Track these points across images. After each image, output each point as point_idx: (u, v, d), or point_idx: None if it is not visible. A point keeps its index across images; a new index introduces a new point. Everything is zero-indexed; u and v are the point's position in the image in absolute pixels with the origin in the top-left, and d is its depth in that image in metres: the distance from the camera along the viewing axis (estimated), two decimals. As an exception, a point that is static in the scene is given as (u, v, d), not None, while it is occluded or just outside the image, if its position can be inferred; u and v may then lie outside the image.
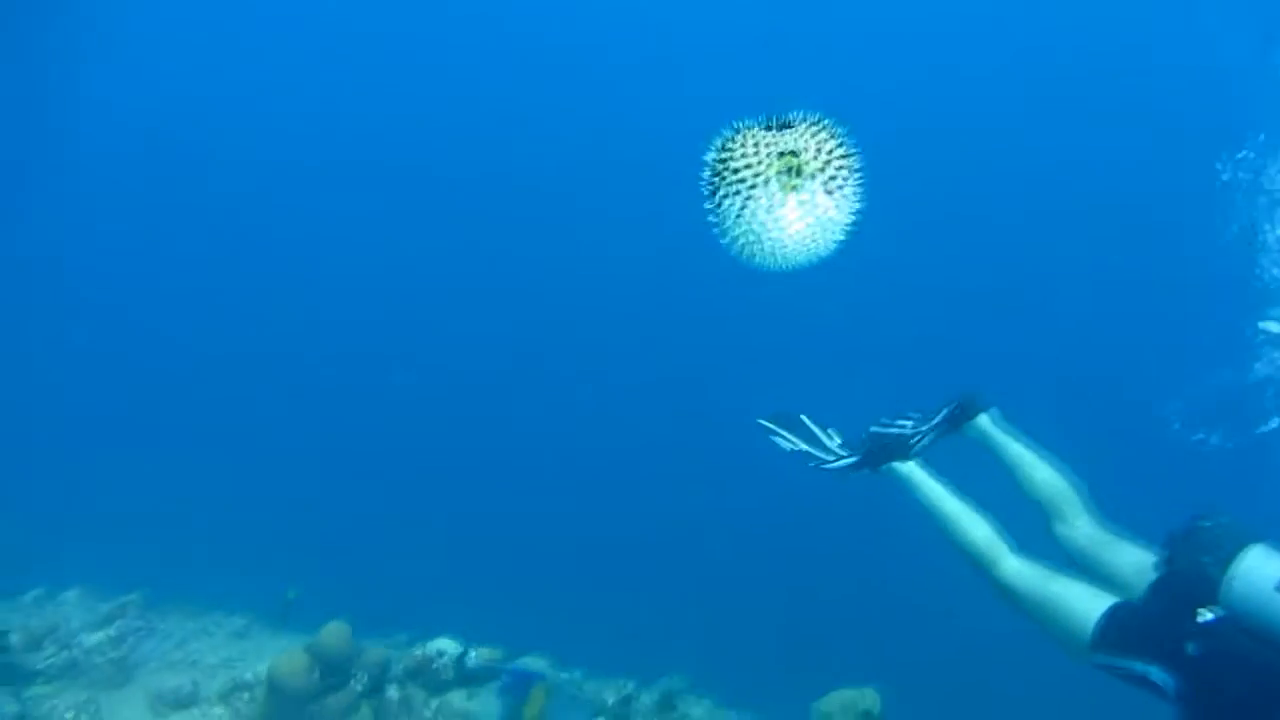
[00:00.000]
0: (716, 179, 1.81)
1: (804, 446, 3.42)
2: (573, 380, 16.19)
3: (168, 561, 7.75)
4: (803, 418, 3.49)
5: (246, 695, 4.89)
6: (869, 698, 4.46)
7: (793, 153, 1.78)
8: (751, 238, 1.83)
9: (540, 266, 17.37)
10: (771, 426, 3.45)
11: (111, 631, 5.83)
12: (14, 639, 5.45)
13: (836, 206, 1.82)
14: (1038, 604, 2.81)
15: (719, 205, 1.82)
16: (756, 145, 1.80)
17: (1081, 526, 3.07)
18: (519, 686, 2.47)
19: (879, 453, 3.38)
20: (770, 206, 1.79)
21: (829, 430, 3.49)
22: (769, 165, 1.79)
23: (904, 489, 3.30)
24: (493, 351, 16.81)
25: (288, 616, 7.03)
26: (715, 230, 1.87)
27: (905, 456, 3.34)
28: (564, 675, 5.95)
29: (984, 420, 3.35)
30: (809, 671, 5.18)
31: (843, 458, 3.41)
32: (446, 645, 5.30)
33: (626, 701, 4.99)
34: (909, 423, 3.35)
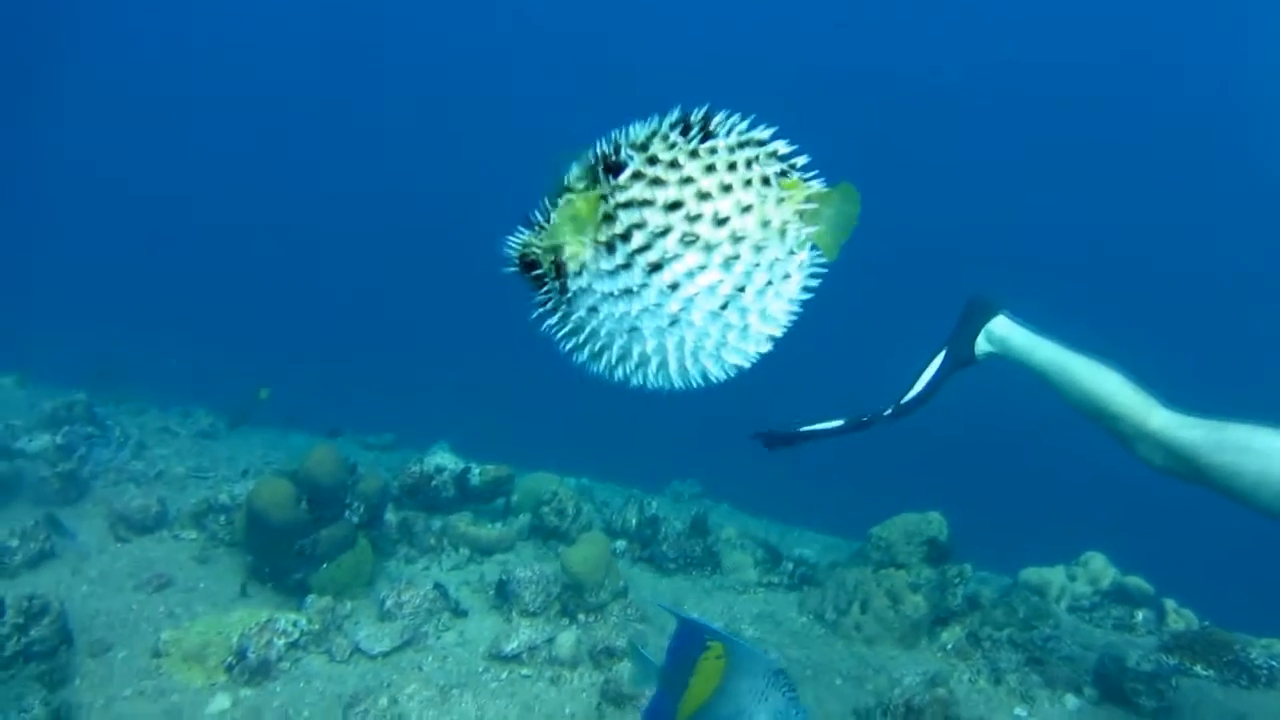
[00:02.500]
0: (639, 234, 1.01)
1: (844, 421, 2.71)
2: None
3: (114, 355, 7.01)
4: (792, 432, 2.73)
5: (223, 518, 4.32)
6: (935, 524, 4.02)
7: (784, 174, 1.08)
8: (720, 334, 1.09)
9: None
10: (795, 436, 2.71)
11: (59, 439, 5.15)
12: (-57, 446, 4.71)
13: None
14: (1218, 456, 2.16)
15: (636, 279, 1.02)
16: (733, 162, 1.03)
17: None
18: (687, 646, 1.79)
19: (971, 317, 2.69)
20: (784, 274, 1.08)
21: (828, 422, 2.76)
22: (777, 199, 1.05)
23: (1009, 358, 2.63)
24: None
25: (257, 416, 6.42)
26: (601, 333, 1.10)
27: (993, 310, 2.65)
28: (570, 481, 5.51)
29: None
30: (866, 496, 4.76)
31: (908, 392, 2.73)
32: (446, 461, 4.74)
33: (653, 523, 4.53)
34: None
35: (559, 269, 1.03)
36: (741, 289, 1.02)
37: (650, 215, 0.98)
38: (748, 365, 1.15)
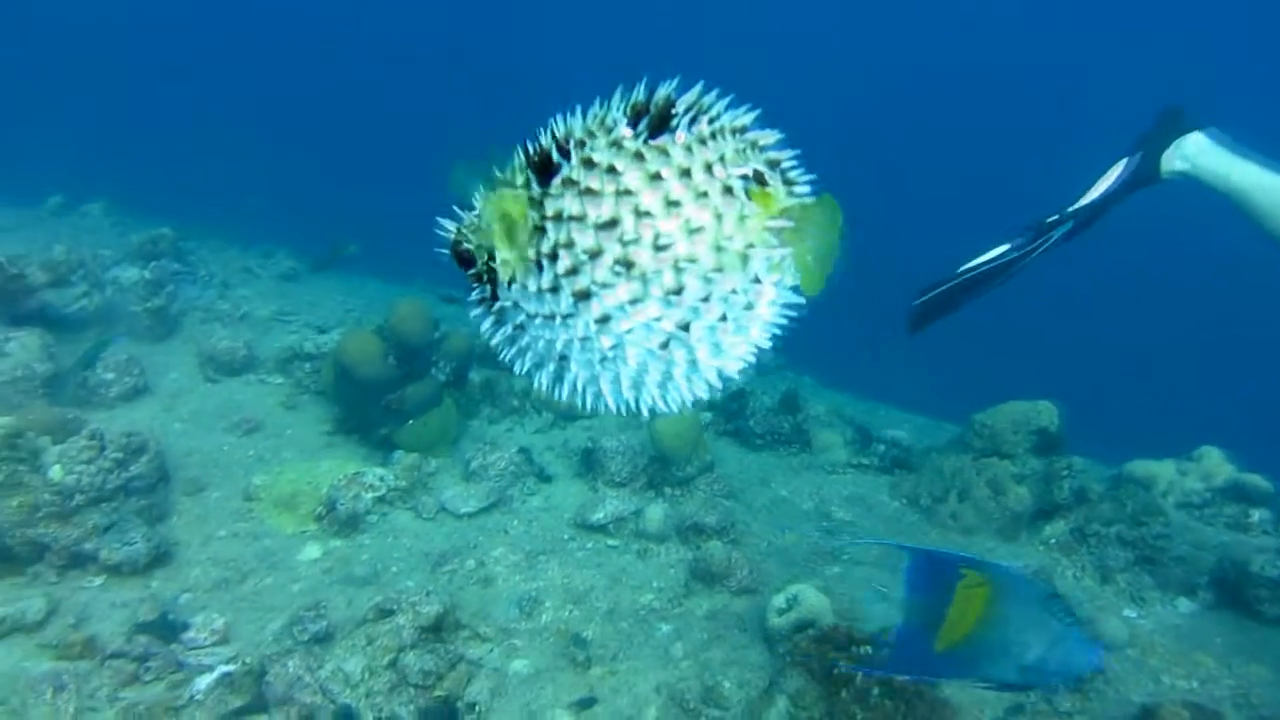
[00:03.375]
0: (568, 246, 0.83)
1: (1000, 252, 2.37)
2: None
3: (196, 193, 6.95)
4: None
5: (307, 366, 4.29)
6: (1045, 413, 3.75)
7: (761, 179, 0.85)
8: (663, 371, 0.92)
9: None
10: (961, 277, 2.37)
11: (148, 273, 5.13)
12: (34, 274, 4.64)
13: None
14: None
15: (565, 301, 0.85)
16: (686, 168, 0.81)
17: None
18: (934, 576, 1.61)
19: (1163, 129, 2.29)
20: (745, 305, 0.88)
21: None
22: (739, 216, 0.84)
23: (1200, 180, 2.26)
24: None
25: (338, 264, 6.33)
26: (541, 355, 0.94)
27: (1189, 125, 2.26)
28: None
29: None
30: (961, 375, 4.48)
31: (1080, 199, 2.35)
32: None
33: (740, 397, 4.37)
34: None
35: (492, 274, 0.87)
36: (686, 326, 0.83)
37: (579, 235, 0.78)
38: (706, 397, 0.98)
